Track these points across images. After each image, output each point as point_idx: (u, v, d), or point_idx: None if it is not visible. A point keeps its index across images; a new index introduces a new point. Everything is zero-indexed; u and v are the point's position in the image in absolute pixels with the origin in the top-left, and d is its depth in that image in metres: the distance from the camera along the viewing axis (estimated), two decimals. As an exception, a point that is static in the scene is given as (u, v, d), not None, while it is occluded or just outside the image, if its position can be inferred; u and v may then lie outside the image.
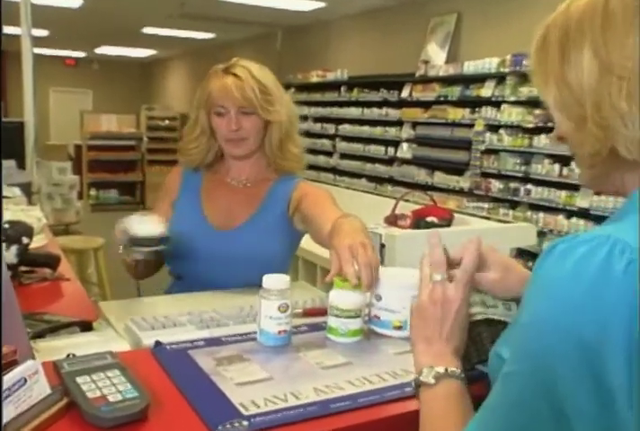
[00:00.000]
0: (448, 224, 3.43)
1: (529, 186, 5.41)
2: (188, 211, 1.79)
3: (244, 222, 1.75)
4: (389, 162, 7.31)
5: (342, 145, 8.13)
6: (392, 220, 3.55)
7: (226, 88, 1.67)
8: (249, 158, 1.80)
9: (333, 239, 1.31)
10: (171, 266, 1.82)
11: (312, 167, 8.60)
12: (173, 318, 1.33)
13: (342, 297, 1.23)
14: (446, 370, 0.89)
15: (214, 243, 1.71)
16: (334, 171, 8.24)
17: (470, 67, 5.99)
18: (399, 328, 1.24)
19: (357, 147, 7.84)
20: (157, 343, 1.19)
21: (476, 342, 0.98)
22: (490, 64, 5.73)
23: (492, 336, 0.96)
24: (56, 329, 1.34)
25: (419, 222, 3.43)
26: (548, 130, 5.11)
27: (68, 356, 1.06)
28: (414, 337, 0.96)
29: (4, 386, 0.82)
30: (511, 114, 5.46)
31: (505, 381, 0.72)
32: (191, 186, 1.83)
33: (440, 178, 6.46)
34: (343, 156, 8.15)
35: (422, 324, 0.95)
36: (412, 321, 0.97)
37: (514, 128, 5.51)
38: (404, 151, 7.03)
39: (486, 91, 5.77)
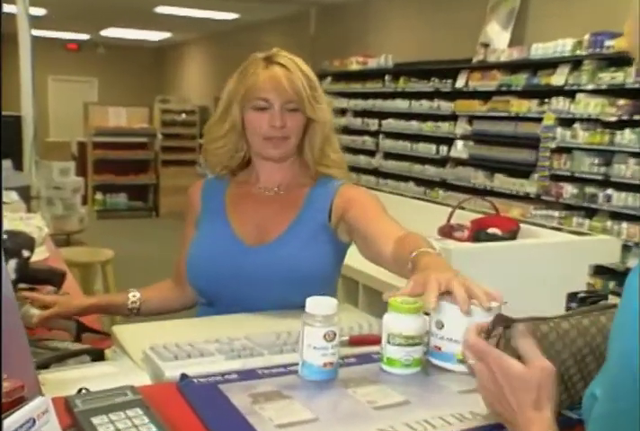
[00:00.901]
0: (514, 237, 3.40)
1: (610, 191, 5.33)
2: (213, 227, 1.79)
3: (279, 235, 1.75)
4: (441, 162, 7.27)
5: (387, 144, 8.12)
6: (447, 231, 3.52)
7: (274, 79, 1.69)
8: (284, 161, 1.81)
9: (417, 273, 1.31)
10: (197, 291, 1.82)
11: (351, 168, 8.56)
12: (200, 346, 1.33)
13: (403, 322, 1.22)
14: None
15: (246, 262, 1.71)
16: (377, 173, 8.23)
17: (539, 51, 5.94)
18: (462, 361, 1.21)
19: (403, 145, 7.81)
20: (184, 376, 1.19)
21: (565, 382, 0.96)
22: (563, 46, 5.67)
23: (580, 371, 0.95)
24: (63, 358, 1.35)
25: (479, 233, 3.41)
26: (634, 124, 5.04)
27: (80, 390, 1.06)
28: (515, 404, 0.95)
29: (10, 430, 0.82)
30: (589, 105, 5.39)
31: (599, 423, 0.73)
32: (213, 198, 1.84)
33: (501, 181, 6.40)
34: (388, 156, 8.14)
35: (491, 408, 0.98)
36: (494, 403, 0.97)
37: (592, 122, 5.44)
38: (459, 150, 6.98)
39: (558, 78, 5.71)
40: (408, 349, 1.22)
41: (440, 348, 1.24)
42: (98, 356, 1.38)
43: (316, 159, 1.80)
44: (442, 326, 1.22)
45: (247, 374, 1.21)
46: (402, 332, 1.22)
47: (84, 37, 15.25)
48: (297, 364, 1.22)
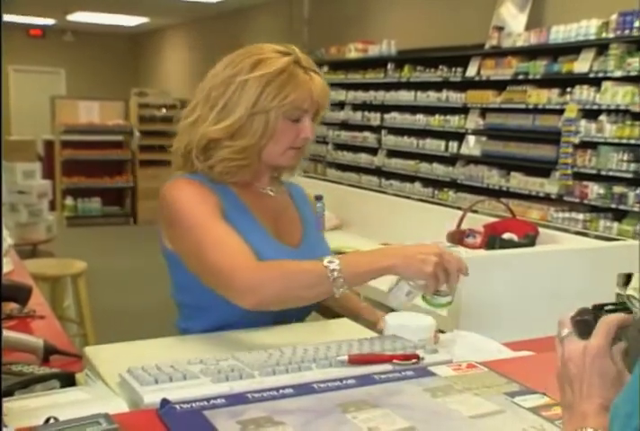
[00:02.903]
0: (532, 243, 3.41)
1: (640, 190, 5.35)
2: (250, 229, 1.79)
3: (300, 236, 1.91)
4: (451, 161, 7.29)
5: (390, 140, 8.13)
6: (457, 237, 3.53)
7: (324, 90, 1.83)
8: None
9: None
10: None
11: (351, 168, 8.62)
12: (183, 367, 1.33)
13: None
14: None
15: None
16: (380, 172, 8.24)
17: (559, 34, 5.95)
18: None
19: (409, 142, 7.83)
20: (165, 402, 1.19)
21: None
22: (587, 28, 5.69)
23: None
24: (29, 383, 1.35)
25: (493, 239, 3.41)
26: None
27: (48, 420, 1.07)
28: (561, 409, 1.05)
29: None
30: (616, 95, 5.41)
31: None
32: (230, 199, 1.84)
33: (518, 181, 6.41)
34: (391, 154, 8.15)
35: (560, 392, 1.04)
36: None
37: (620, 114, 5.46)
38: (471, 146, 7.00)
39: (582, 65, 5.72)
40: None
41: None
42: (68, 380, 1.38)
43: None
44: None
45: (236, 399, 1.22)
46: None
47: (49, 22, 15.21)
48: (290, 386, 1.23)
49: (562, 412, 1.05)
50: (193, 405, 1.19)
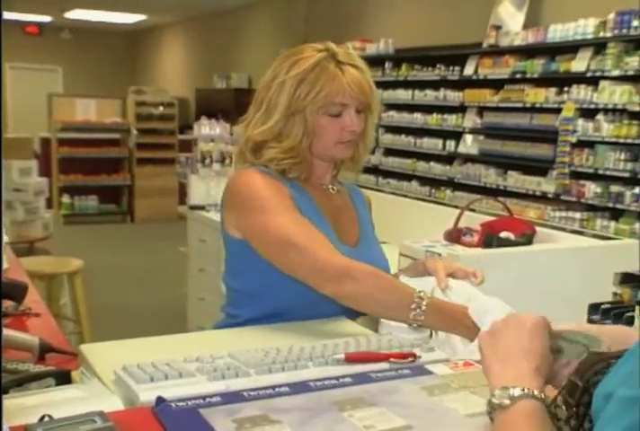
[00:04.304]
0: (529, 242, 3.41)
1: (638, 189, 5.34)
2: (317, 223, 1.81)
3: (359, 237, 1.96)
4: (448, 159, 7.29)
5: (387, 138, 8.13)
6: (454, 236, 3.54)
7: (356, 84, 1.81)
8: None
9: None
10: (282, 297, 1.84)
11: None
12: (178, 365, 1.33)
13: None
14: (523, 390, 0.99)
15: None
16: (377, 171, 8.23)
17: (557, 33, 5.96)
18: None
19: (406, 141, 7.83)
20: (160, 399, 1.18)
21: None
22: (584, 27, 5.69)
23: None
24: (24, 381, 1.34)
25: (490, 238, 3.42)
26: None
27: (43, 418, 1.06)
28: (488, 361, 1.08)
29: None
30: (614, 94, 5.41)
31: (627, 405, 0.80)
32: (299, 191, 1.87)
33: (515, 180, 6.42)
34: (389, 152, 8.15)
35: (494, 346, 1.09)
36: (483, 347, 1.11)
37: (617, 113, 5.46)
38: (468, 145, 7.00)
39: (579, 64, 5.73)
40: None
41: None
42: (64, 378, 1.38)
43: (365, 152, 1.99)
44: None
45: (231, 397, 1.21)
46: None
47: (46, 19, 15.18)
48: (286, 384, 1.22)
49: (487, 368, 1.08)
50: (189, 403, 1.18)
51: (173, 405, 1.17)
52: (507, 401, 0.98)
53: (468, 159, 7.05)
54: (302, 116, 1.80)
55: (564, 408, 1.01)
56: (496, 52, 6.62)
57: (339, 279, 1.62)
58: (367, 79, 1.83)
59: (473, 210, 3.79)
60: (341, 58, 1.82)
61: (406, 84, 7.81)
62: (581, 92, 5.69)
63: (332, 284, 1.64)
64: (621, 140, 5.40)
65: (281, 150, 1.83)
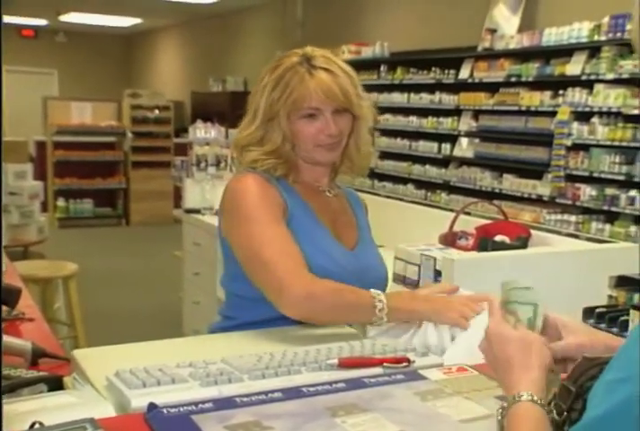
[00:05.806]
0: (524, 245, 3.40)
1: (633, 192, 5.34)
2: (313, 227, 1.87)
3: (357, 240, 1.97)
4: (444, 162, 7.30)
5: (383, 142, 8.12)
6: (449, 239, 3.53)
7: (324, 87, 1.81)
8: (334, 163, 1.98)
9: None
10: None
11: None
12: (171, 371, 1.33)
13: None
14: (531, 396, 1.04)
15: (353, 267, 1.87)
16: (372, 174, 8.20)
17: (552, 37, 5.96)
18: None
19: (401, 144, 7.83)
20: (152, 406, 1.18)
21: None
22: (579, 31, 5.69)
23: None
24: (16, 387, 1.34)
25: (485, 242, 3.41)
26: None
27: (34, 424, 1.06)
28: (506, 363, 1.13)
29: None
30: (608, 97, 5.41)
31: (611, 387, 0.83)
32: (294, 197, 1.89)
33: (510, 183, 6.42)
34: (384, 156, 8.15)
35: (517, 354, 1.13)
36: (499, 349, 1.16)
37: (612, 116, 5.46)
38: (464, 148, 7.00)
39: (574, 67, 5.73)
40: None
41: None
42: (56, 384, 1.37)
43: (356, 154, 1.95)
44: None
45: (224, 403, 1.21)
46: None
47: (42, 22, 15.18)
48: (279, 390, 1.22)
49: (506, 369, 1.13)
50: (181, 409, 1.18)
51: (164, 411, 1.17)
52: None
53: (464, 162, 7.05)
54: (277, 120, 1.83)
55: (554, 412, 1.02)
56: (491, 55, 6.62)
57: (297, 304, 1.66)
58: (339, 83, 1.82)
59: (468, 213, 3.79)
60: (315, 63, 1.83)
61: (402, 88, 7.82)
62: (576, 96, 5.70)
63: (291, 309, 1.68)
64: (616, 143, 5.41)
65: (263, 152, 1.86)
